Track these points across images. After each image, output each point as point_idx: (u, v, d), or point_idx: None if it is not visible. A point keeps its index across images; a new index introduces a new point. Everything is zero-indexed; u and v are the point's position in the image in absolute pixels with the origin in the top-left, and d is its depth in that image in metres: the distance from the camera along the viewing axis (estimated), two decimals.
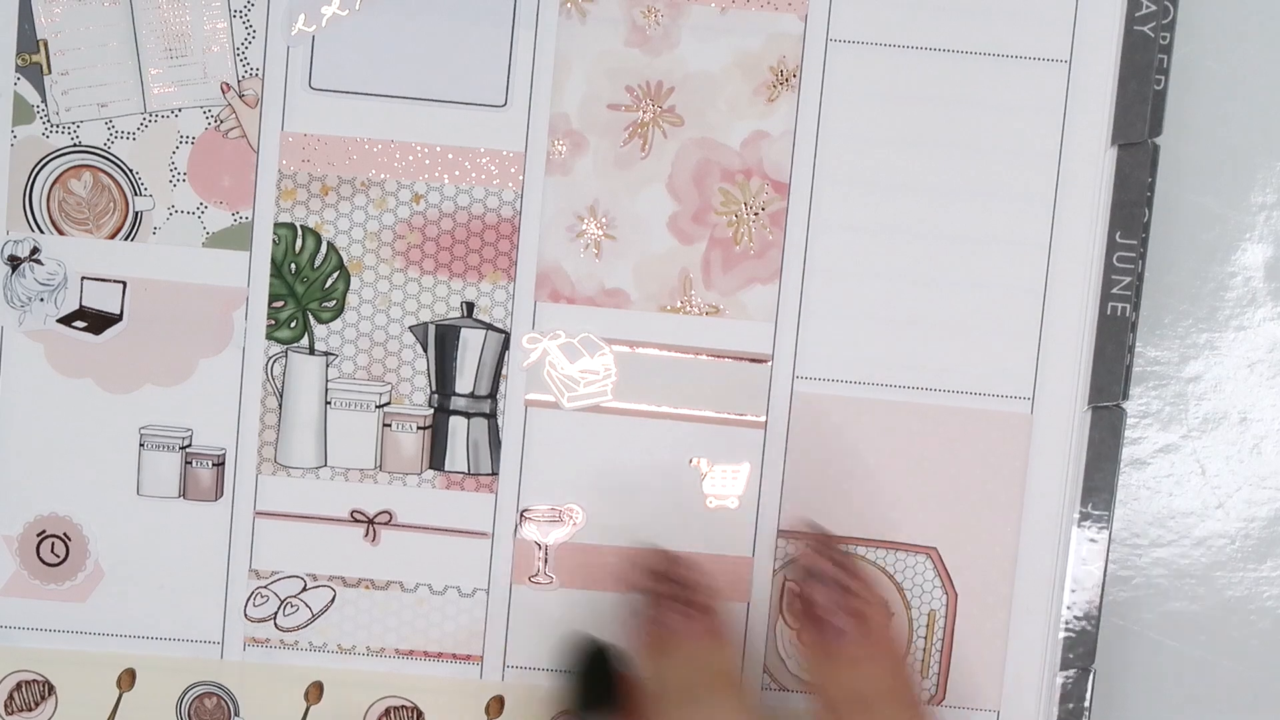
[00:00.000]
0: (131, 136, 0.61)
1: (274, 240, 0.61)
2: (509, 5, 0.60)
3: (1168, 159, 0.61)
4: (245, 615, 0.63)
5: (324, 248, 0.61)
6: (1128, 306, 0.61)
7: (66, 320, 0.61)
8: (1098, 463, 0.62)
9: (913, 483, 0.62)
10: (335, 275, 0.62)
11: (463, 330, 0.62)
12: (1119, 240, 0.61)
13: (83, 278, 0.61)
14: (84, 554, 0.62)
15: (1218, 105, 0.62)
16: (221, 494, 0.62)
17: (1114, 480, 0.61)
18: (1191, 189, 0.63)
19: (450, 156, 0.61)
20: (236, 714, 0.63)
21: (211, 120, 0.61)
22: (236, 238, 0.61)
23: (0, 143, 0.61)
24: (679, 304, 0.62)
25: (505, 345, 0.62)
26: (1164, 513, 0.64)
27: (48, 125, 0.61)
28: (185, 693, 0.63)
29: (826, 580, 0.57)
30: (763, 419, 0.62)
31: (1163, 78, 0.60)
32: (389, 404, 0.62)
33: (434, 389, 0.62)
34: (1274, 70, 0.62)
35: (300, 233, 0.61)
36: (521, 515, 0.63)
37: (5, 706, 0.63)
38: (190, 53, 0.61)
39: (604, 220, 0.61)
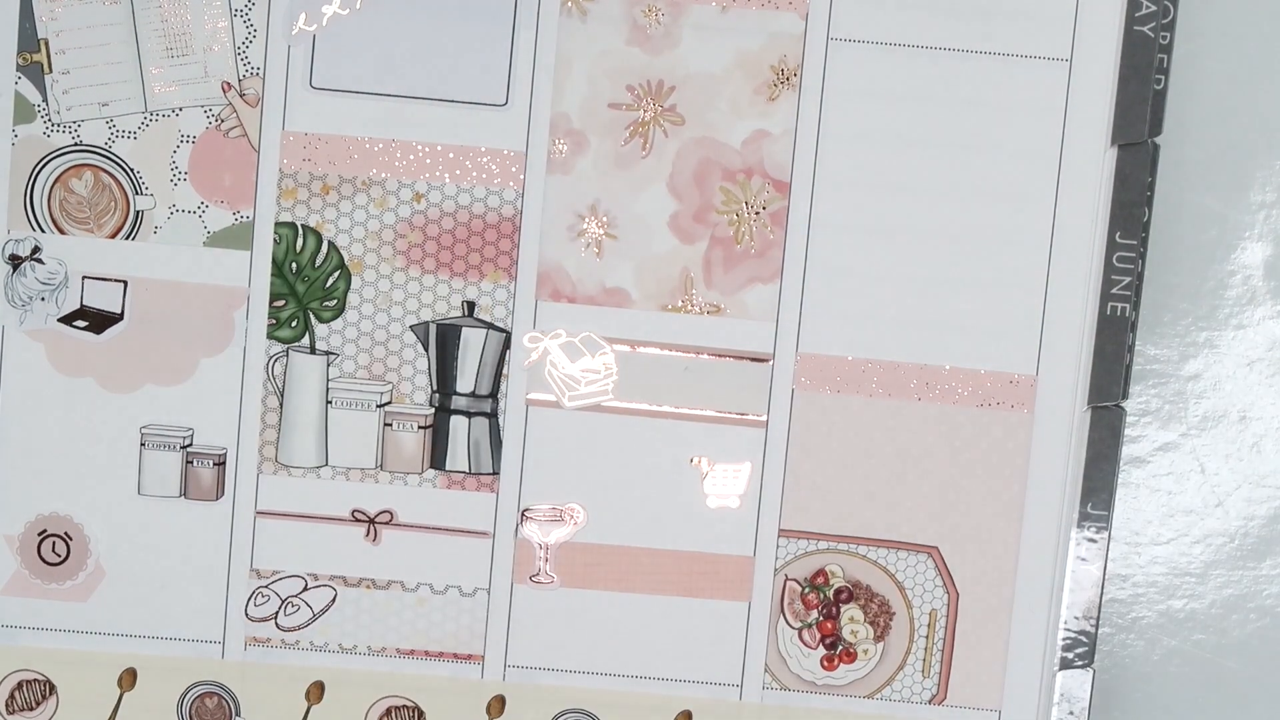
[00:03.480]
0: (132, 136, 0.61)
1: (275, 239, 0.61)
2: (510, 4, 0.60)
3: (1168, 158, 0.62)
4: (246, 615, 0.63)
5: (325, 247, 0.61)
6: (1128, 306, 0.61)
7: (67, 319, 0.61)
8: (1097, 462, 0.62)
9: (913, 482, 0.62)
10: (336, 274, 0.62)
11: (464, 329, 0.62)
12: (1119, 240, 0.61)
13: (84, 277, 0.61)
14: (85, 553, 0.62)
15: (1218, 105, 0.62)
16: (222, 493, 0.62)
17: (1113, 480, 0.61)
18: (1191, 188, 0.63)
19: (451, 156, 0.61)
20: (237, 714, 0.63)
21: (212, 119, 0.61)
22: (237, 237, 0.61)
23: (1, 142, 0.61)
24: (680, 303, 0.62)
25: (506, 344, 0.62)
26: (1163, 511, 0.64)
27: (49, 124, 0.61)
28: (186, 692, 0.63)
29: None
30: (764, 418, 0.62)
31: (1163, 77, 0.60)
32: (390, 403, 0.62)
33: (435, 388, 0.62)
34: (1274, 70, 0.62)
35: (301, 232, 0.61)
36: (522, 515, 0.63)
37: (6, 706, 0.62)
38: (191, 52, 0.60)
39: (605, 219, 0.61)
